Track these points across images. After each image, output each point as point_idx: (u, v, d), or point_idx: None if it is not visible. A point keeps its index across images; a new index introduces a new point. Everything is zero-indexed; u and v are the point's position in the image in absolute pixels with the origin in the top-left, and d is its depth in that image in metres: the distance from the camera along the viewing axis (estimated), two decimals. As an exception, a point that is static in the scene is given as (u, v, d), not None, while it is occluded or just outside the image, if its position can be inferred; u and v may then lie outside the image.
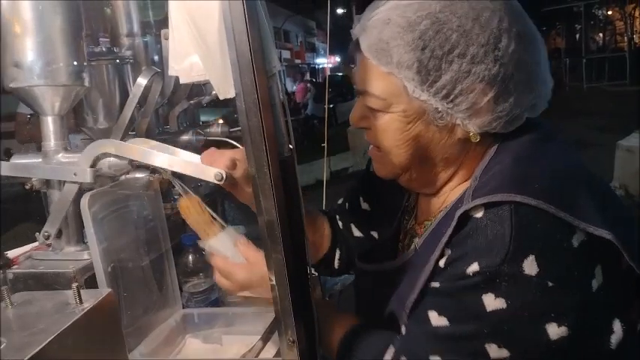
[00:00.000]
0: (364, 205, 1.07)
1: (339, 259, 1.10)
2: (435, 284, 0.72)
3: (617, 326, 0.66)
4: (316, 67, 31.72)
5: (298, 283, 0.70)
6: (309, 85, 14.93)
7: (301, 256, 0.74)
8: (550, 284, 0.63)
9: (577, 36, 19.52)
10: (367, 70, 0.75)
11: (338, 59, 31.56)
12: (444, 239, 0.70)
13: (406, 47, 0.70)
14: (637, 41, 20.13)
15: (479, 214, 0.67)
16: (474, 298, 0.66)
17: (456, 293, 0.68)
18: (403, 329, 0.77)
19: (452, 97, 0.71)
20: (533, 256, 0.62)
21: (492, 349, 0.65)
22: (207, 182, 1.31)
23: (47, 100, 0.84)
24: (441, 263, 0.71)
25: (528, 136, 0.75)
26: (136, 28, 1.09)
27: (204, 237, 0.85)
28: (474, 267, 0.65)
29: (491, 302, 0.64)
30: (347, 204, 1.11)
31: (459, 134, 0.75)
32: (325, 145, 1.86)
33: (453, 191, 0.81)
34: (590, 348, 0.67)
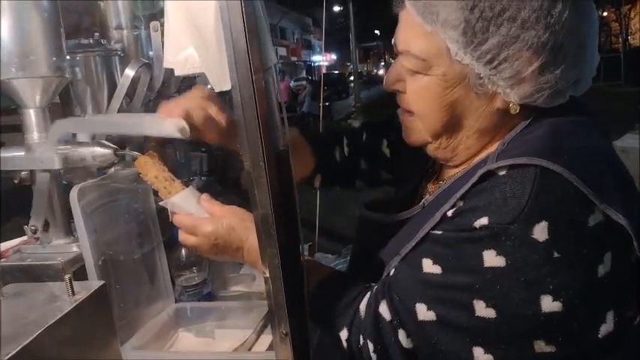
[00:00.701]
0: (385, 150, 1.05)
1: (319, 182, 1.08)
2: (437, 232, 0.70)
3: (609, 317, 0.64)
4: (312, 64, 31.67)
5: (292, 276, 0.70)
6: (304, 82, 14.91)
7: (295, 249, 0.74)
8: (556, 255, 0.61)
9: (572, 37, 19.55)
10: (409, 28, 0.73)
11: (334, 57, 31.55)
12: (459, 193, 0.69)
13: (455, 5, 0.67)
14: (632, 42, 20.24)
15: (501, 172, 0.65)
16: (474, 252, 0.64)
17: (456, 244, 0.66)
18: (392, 270, 0.75)
19: (496, 62, 0.68)
20: (547, 222, 0.60)
21: (479, 307, 0.64)
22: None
23: (27, 92, 0.83)
24: (450, 213, 0.69)
25: (565, 117, 0.72)
26: (125, 21, 1.09)
27: (165, 195, 0.82)
28: (482, 221, 0.63)
29: (491, 259, 0.63)
30: (364, 135, 1.08)
31: (498, 103, 0.72)
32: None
33: (477, 158, 0.79)
34: (576, 332, 0.64)
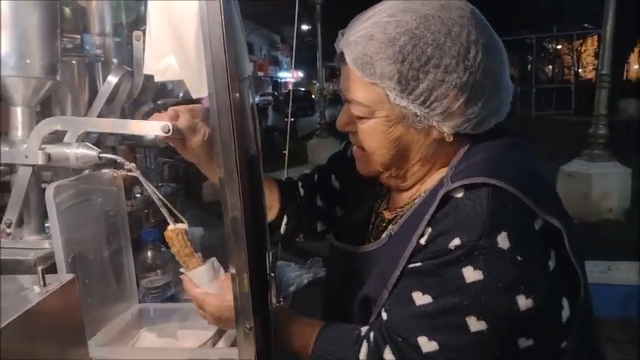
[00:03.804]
0: (335, 183, 1.14)
1: (285, 225, 1.14)
2: (417, 264, 0.78)
3: (565, 304, 0.76)
4: (279, 80, 31.84)
5: (257, 273, 0.75)
6: (270, 97, 14.92)
7: (262, 248, 0.79)
8: (519, 258, 0.71)
9: (529, 66, 20.52)
10: (352, 81, 0.83)
11: (301, 74, 31.80)
12: (427, 217, 0.77)
13: (388, 60, 0.77)
14: (582, 75, 21.38)
15: (459, 195, 0.75)
16: (455, 272, 0.72)
17: (437, 269, 0.74)
18: (384, 314, 0.81)
19: (428, 102, 0.78)
20: (506, 232, 0.70)
21: (472, 322, 0.72)
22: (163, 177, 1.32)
23: (19, 91, 0.86)
24: (422, 241, 0.78)
25: (498, 140, 0.84)
26: (107, 27, 1.12)
27: (184, 268, 0.90)
28: (455, 241, 0.72)
29: (470, 274, 0.71)
30: (315, 176, 1.17)
31: (434, 135, 0.83)
32: (287, 152, 1.92)
33: (425, 183, 0.90)
34: (547, 321, 0.75)
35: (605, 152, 4.78)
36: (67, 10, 1.02)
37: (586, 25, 16.79)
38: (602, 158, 4.77)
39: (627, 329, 3.19)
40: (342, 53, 0.83)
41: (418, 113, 0.80)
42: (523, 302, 0.71)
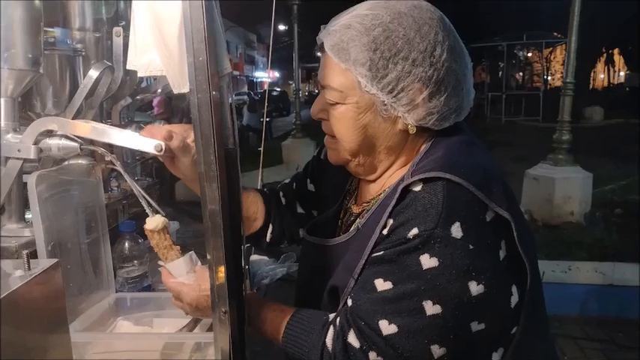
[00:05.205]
0: (310, 187, 1.21)
1: (271, 233, 1.20)
2: (379, 253, 0.83)
3: (514, 290, 0.82)
4: (254, 80, 31.75)
5: (233, 262, 0.79)
6: (245, 97, 14.85)
7: (238, 239, 0.83)
8: (471, 247, 0.77)
9: (500, 73, 20.96)
10: (329, 67, 0.89)
11: (277, 74, 31.78)
12: (388, 210, 0.84)
13: (362, 48, 0.84)
14: (551, 83, 22.01)
15: (417, 188, 0.81)
16: (412, 259, 0.78)
17: (397, 257, 0.80)
18: (349, 301, 0.86)
19: (395, 92, 0.85)
20: (459, 222, 0.76)
21: (428, 306, 0.77)
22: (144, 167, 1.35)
23: (3, 82, 0.88)
24: (384, 232, 0.84)
25: (457, 138, 0.90)
26: (88, 23, 1.15)
27: (162, 260, 0.93)
28: (413, 231, 0.78)
29: (427, 261, 0.77)
30: (294, 184, 1.24)
31: (399, 125, 0.89)
32: (262, 149, 1.95)
33: (391, 177, 0.97)
34: (497, 306, 0.81)
35: (569, 157, 4.94)
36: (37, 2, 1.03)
37: (555, 34, 17.29)
38: (566, 163, 4.92)
39: (586, 326, 3.34)
40: (322, 43, 0.90)
41: (385, 102, 0.86)
42: (475, 288, 0.77)
